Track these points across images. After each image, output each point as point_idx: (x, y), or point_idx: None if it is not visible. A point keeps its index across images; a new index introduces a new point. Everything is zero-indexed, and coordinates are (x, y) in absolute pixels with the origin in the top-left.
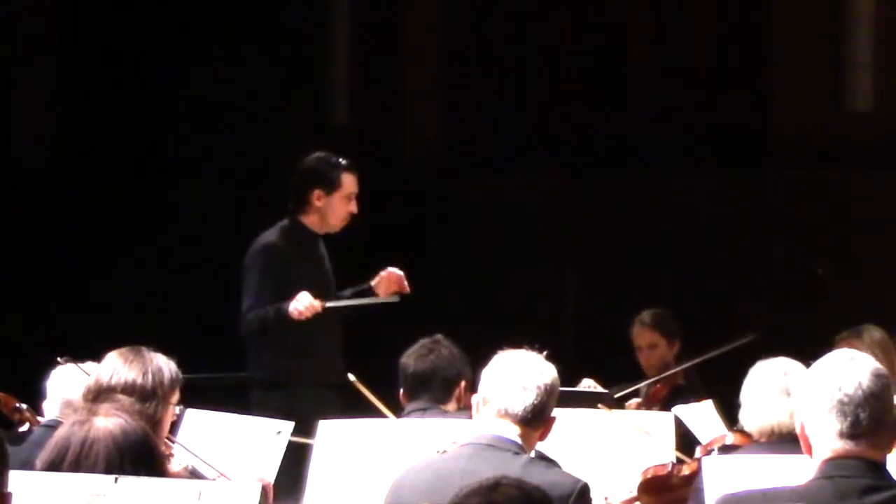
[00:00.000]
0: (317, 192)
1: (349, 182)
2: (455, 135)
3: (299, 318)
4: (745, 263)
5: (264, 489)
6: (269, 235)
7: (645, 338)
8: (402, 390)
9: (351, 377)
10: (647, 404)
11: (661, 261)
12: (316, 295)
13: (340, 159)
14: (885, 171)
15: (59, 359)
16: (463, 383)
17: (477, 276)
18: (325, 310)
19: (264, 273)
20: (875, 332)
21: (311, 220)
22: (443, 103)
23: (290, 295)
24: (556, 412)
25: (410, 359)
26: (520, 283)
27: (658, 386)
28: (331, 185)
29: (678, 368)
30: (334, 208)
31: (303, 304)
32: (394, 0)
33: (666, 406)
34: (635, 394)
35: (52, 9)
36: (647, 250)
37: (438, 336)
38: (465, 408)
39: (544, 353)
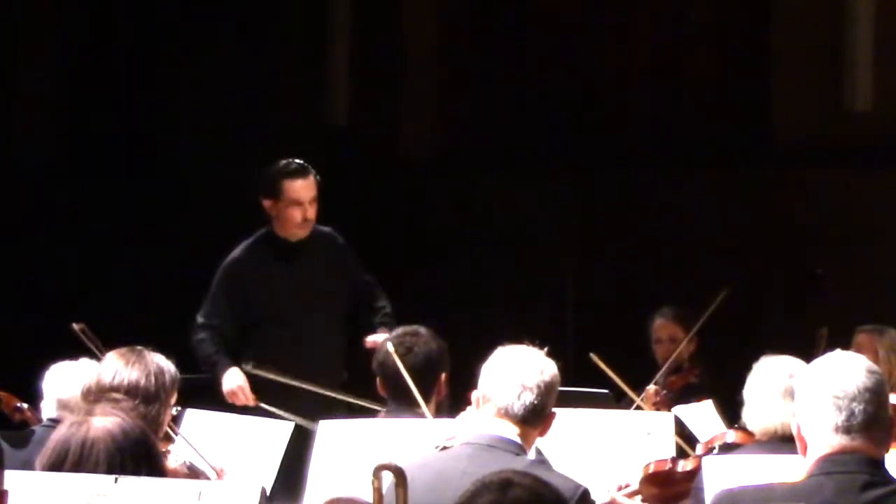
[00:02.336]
0: (266, 202)
1: (292, 189)
2: (455, 135)
3: (226, 396)
4: (744, 263)
5: (263, 490)
6: (238, 250)
7: (667, 330)
8: (378, 380)
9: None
10: (666, 389)
11: (661, 260)
12: (293, 304)
13: (287, 166)
14: (885, 171)
15: (74, 325)
16: (443, 376)
17: (477, 275)
18: (256, 405)
19: (220, 291)
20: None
21: (279, 228)
22: (443, 103)
23: (252, 311)
24: (557, 411)
25: (389, 358)
26: (519, 282)
27: (675, 377)
28: (275, 194)
29: (687, 338)
30: (283, 216)
31: (240, 394)
32: (393, 0)
33: (678, 400)
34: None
35: (53, 9)
36: (647, 250)
37: (416, 328)
38: (444, 400)
39: (545, 349)
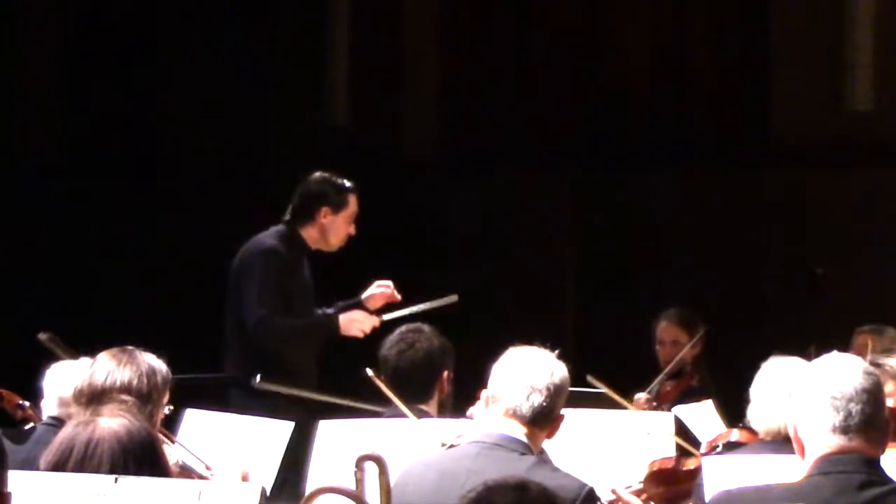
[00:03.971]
0: (325, 210)
1: (354, 204)
2: (455, 135)
3: (355, 336)
4: (744, 263)
5: (263, 490)
6: (269, 240)
7: (670, 333)
8: (382, 377)
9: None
10: (658, 401)
11: (661, 260)
12: (304, 305)
13: (346, 182)
14: (885, 171)
15: (40, 335)
16: (445, 374)
17: (477, 275)
18: (381, 323)
19: (268, 278)
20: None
21: (309, 234)
22: (442, 103)
23: (289, 303)
24: (563, 411)
25: (391, 352)
26: (520, 282)
27: (671, 385)
28: (339, 205)
29: (689, 345)
30: (338, 227)
31: (364, 321)
32: (393, 0)
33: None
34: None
35: (53, 9)
36: (647, 250)
37: (419, 325)
38: (447, 398)
39: (556, 351)
